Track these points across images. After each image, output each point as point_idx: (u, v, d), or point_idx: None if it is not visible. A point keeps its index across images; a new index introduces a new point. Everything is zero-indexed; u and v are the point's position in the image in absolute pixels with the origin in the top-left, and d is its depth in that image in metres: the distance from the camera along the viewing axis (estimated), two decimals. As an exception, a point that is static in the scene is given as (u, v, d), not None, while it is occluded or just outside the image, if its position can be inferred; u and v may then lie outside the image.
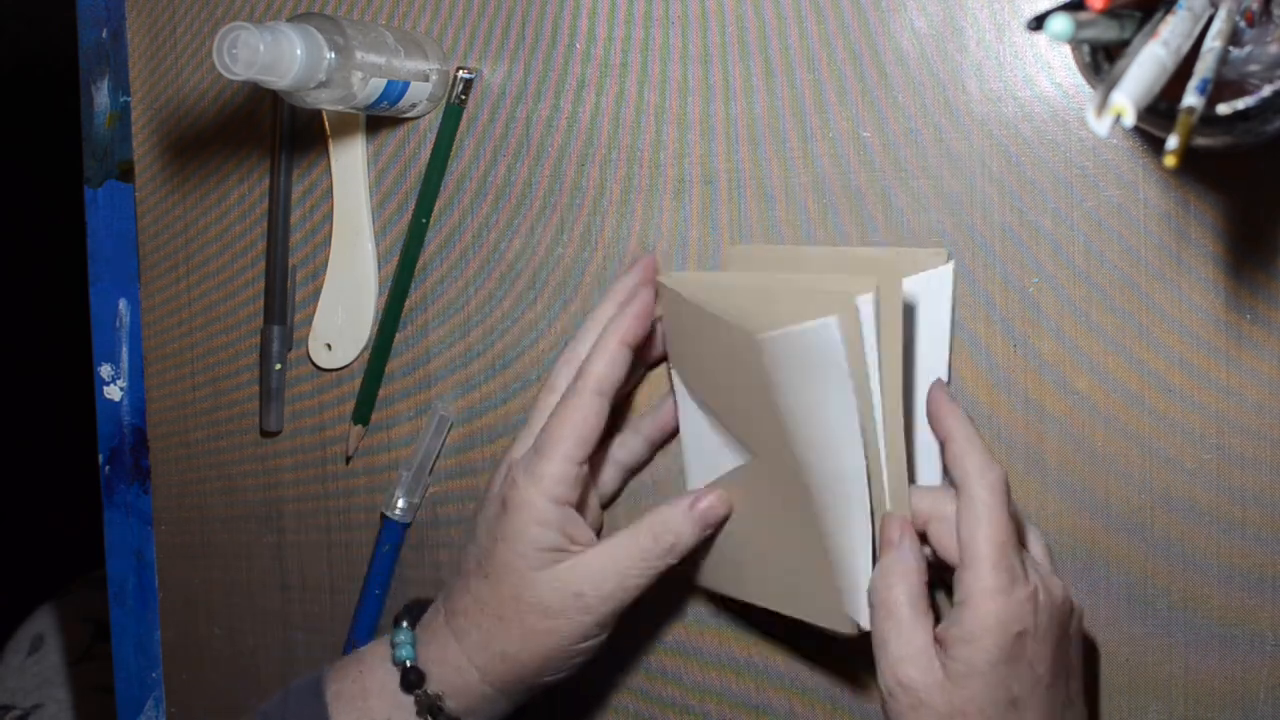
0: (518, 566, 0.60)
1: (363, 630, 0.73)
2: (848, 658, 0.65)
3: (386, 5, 0.71)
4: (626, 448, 0.67)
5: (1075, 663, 0.57)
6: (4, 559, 1.81)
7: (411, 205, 0.71)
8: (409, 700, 0.61)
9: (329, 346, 0.73)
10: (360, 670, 0.63)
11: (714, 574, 0.65)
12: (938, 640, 0.54)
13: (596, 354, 0.61)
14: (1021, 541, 0.57)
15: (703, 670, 0.68)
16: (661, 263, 0.67)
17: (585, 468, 0.61)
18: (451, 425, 0.71)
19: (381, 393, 0.73)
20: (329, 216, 0.73)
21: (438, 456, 0.72)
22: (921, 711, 0.53)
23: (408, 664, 0.62)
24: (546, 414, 0.62)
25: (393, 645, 0.63)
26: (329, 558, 0.75)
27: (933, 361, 0.61)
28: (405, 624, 0.64)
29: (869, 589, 0.57)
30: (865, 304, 0.54)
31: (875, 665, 0.55)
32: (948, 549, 0.56)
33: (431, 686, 0.61)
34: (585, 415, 0.60)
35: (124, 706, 0.81)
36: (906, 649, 0.54)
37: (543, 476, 0.60)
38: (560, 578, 0.60)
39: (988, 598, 0.53)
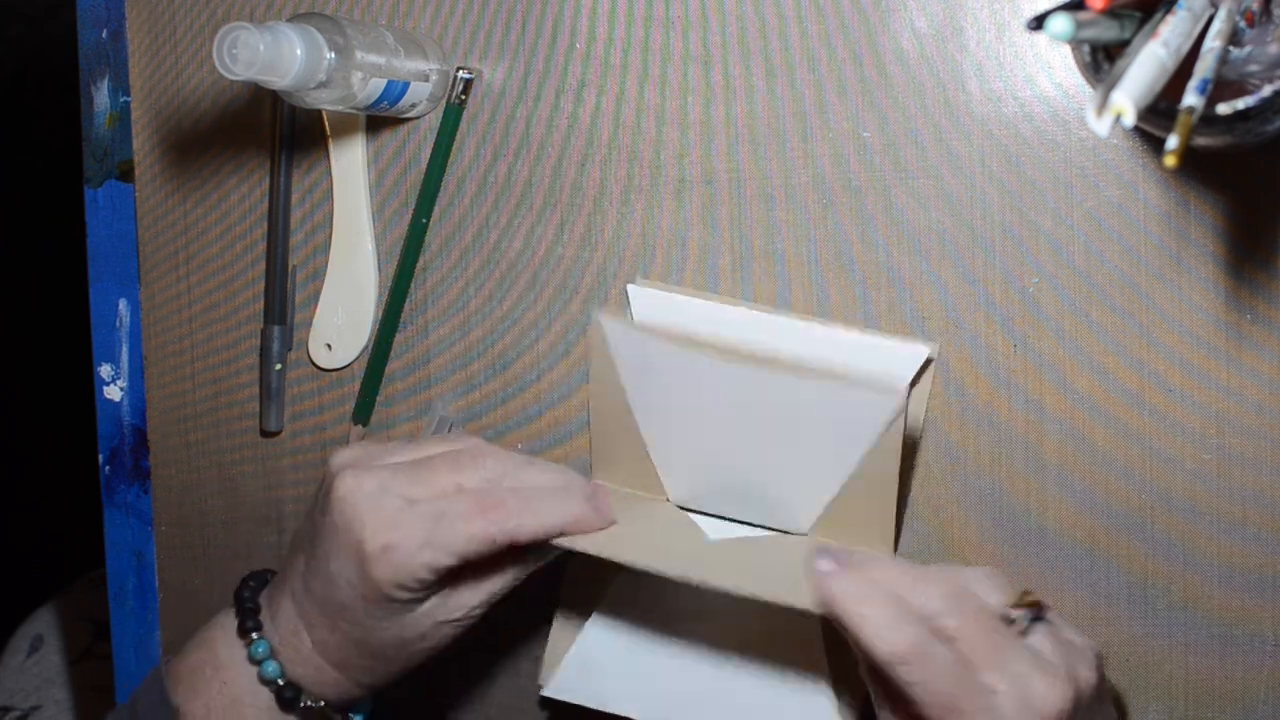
0: (375, 620, 0.57)
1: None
2: None
3: (386, 5, 0.71)
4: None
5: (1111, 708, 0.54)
6: (4, 559, 1.81)
7: (412, 205, 0.71)
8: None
9: (329, 346, 0.73)
10: (223, 682, 0.60)
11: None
12: None
13: (549, 507, 0.56)
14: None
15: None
16: (661, 264, 0.67)
17: None
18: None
19: (382, 393, 0.73)
20: (329, 217, 0.73)
21: (438, 456, 0.72)
22: None
23: (280, 682, 0.59)
24: (439, 454, 0.58)
25: (255, 661, 0.60)
26: (329, 558, 0.75)
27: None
28: (256, 633, 0.60)
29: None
30: (903, 398, 0.55)
31: None
32: None
33: (307, 698, 0.60)
34: (503, 530, 0.55)
35: (124, 706, 0.81)
36: None
37: (418, 568, 0.55)
38: (421, 618, 0.58)
39: (1006, 706, 0.49)
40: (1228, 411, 0.59)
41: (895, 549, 0.62)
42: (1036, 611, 0.52)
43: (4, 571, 1.74)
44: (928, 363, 0.61)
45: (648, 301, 0.65)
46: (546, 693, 0.65)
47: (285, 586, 0.60)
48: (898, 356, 0.61)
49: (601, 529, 0.57)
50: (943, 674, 0.48)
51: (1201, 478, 0.60)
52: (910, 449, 0.61)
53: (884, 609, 0.49)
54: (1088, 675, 0.51)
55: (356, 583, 0.56)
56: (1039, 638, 0.51)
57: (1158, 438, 0.60)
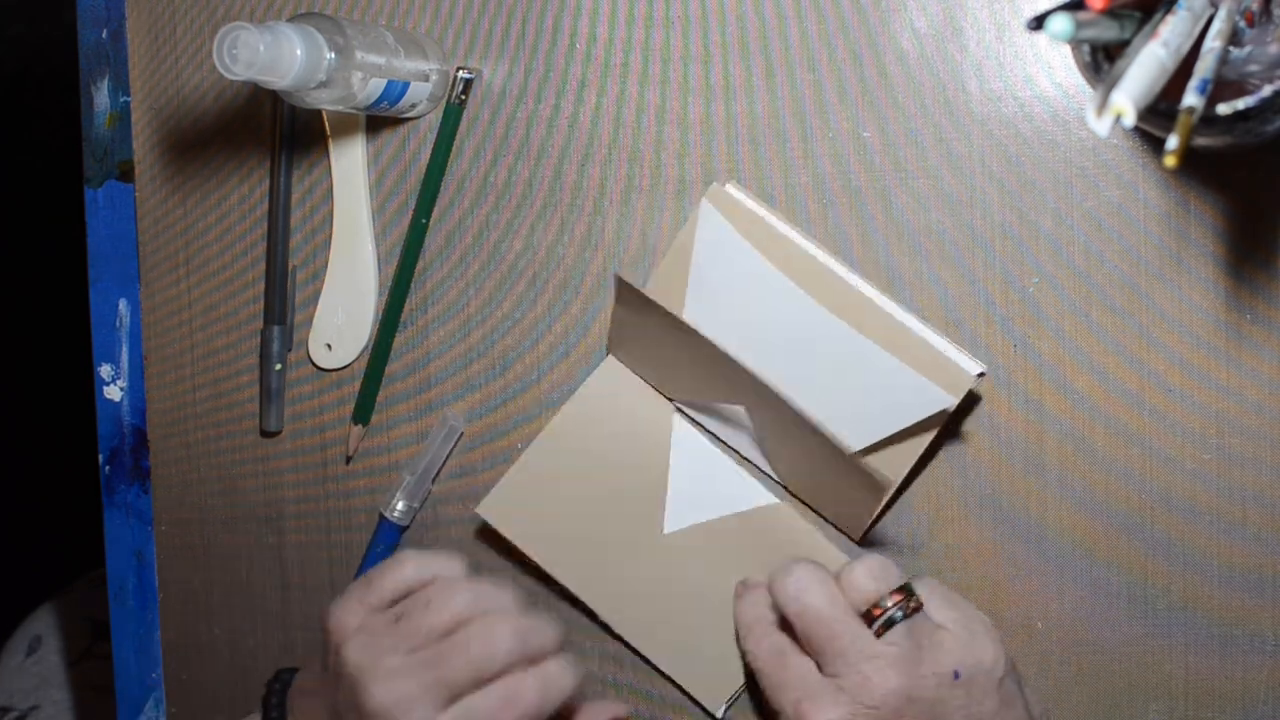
0: None
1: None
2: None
3: (386, 5, 0.71)
4: None
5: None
6: (4, 559, 1.81)
7: (412, 206, 0.71)
8: None
9: (329, 346, 0.73)
10: None
11: (614, 611, 0.68)
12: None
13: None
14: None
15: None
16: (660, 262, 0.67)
17: None
18: (460, 435, 0.71)
19: (382, 393, 0.73)
20: (329, 217, 0.73)
21: (443, 465, 0.72)
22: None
23: None
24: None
25: None
26: (329, 558, 0.75)
27: None
28: None
29: (741, 644, 0.61)
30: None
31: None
32: None
33: None
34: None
35: (124, 706, 0.81)
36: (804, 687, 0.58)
37: None
38: None
39: None
40: (1228, 411, 0.59)
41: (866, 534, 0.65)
42: (887, 620, 0.57)
43: (4, 571, 1.74)
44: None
45: (733, 204, 0.65)
46: (478, 509, 0.68)
47: None
48: (954, 363, 0.61)
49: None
50: (769, 658, 0.59)
51: (1201, 478, 0.60)
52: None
53: (752, 614, 0.62)
54: (937, 669, 0.56)
55: None
56: (898, 630, 0.57)
57: (1157, 438, 0.60)
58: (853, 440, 0.61)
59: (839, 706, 0.56)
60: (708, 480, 0.66)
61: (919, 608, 0.58)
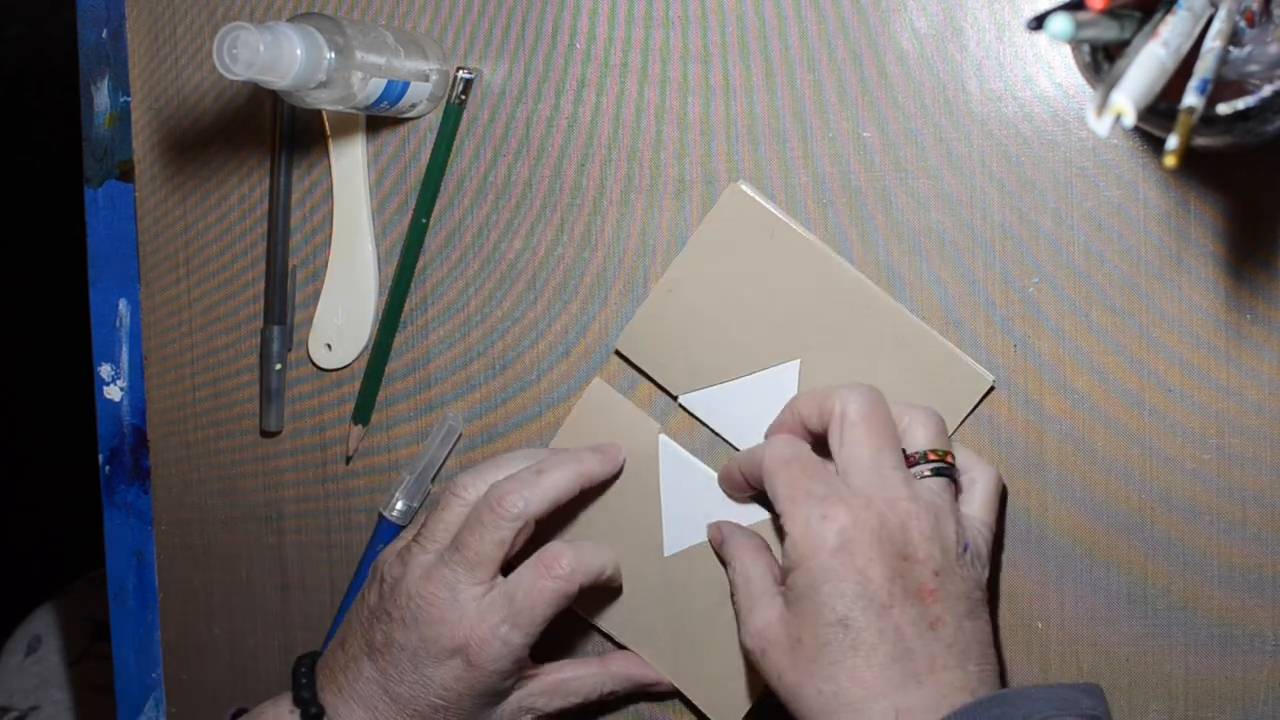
0: (471, 714, 0.63)
1: (363, 630, 0.73)
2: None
3: (386, 5, 0.71)
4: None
5: (951, 591, 0.55)
6: (4, 559, 1.81)
7: (412, 205, 0.71)
8: None
9: (329, 346, 0.73)
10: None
11: (630, 630, 0.68)
12: (779, 581, 0.58)
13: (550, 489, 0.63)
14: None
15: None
16: (661, 264, 0.67)
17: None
18: (460, 436, 0.71)
19: (382, 393, 0.73)
20: (329, 217, 0.73)
21: (442, 465, 0.72)
22: (770, 651, 0.56)
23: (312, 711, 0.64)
24: (466, 529, 0.62)
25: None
26: (329, 558, 0.75)
27: None
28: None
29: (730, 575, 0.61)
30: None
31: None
32: None
33: None
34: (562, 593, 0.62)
35: (124, 706, 0.81)
36: (754, 598, 0.58)
37: (516, 644, 0.61)
38: (507, 707, 0.65)
39: (794, 528, 0.55)
40: (1228, 411, 0.59)
41: None
42: (939, 467, 0.57)
43: (4, 571, 1.74)
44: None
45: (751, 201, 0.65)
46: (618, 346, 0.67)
47: (353, 696, 0.64)
48: (968, 370, 0.62)
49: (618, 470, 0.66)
50: (795, 460, 0.58)
51: (1201, 478, 0.60)
52: None
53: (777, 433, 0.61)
54: (958, 532, 0.56)
55: (462, 678, 0.61)
56: (940, 480, 0.57)
57: (1157, 438, 0.60)
58: None
59: (867, 511, 0.54)
60: (701, 500, 0.65)
61: (956, 484, 0.58)
